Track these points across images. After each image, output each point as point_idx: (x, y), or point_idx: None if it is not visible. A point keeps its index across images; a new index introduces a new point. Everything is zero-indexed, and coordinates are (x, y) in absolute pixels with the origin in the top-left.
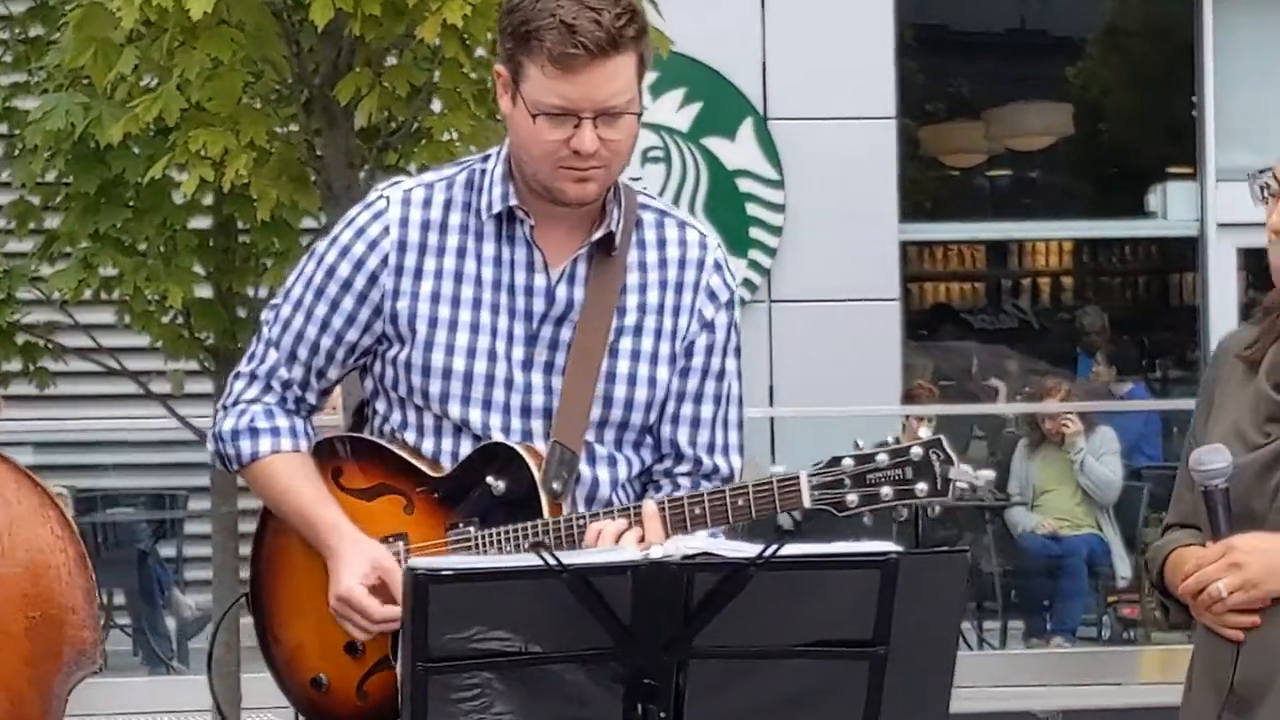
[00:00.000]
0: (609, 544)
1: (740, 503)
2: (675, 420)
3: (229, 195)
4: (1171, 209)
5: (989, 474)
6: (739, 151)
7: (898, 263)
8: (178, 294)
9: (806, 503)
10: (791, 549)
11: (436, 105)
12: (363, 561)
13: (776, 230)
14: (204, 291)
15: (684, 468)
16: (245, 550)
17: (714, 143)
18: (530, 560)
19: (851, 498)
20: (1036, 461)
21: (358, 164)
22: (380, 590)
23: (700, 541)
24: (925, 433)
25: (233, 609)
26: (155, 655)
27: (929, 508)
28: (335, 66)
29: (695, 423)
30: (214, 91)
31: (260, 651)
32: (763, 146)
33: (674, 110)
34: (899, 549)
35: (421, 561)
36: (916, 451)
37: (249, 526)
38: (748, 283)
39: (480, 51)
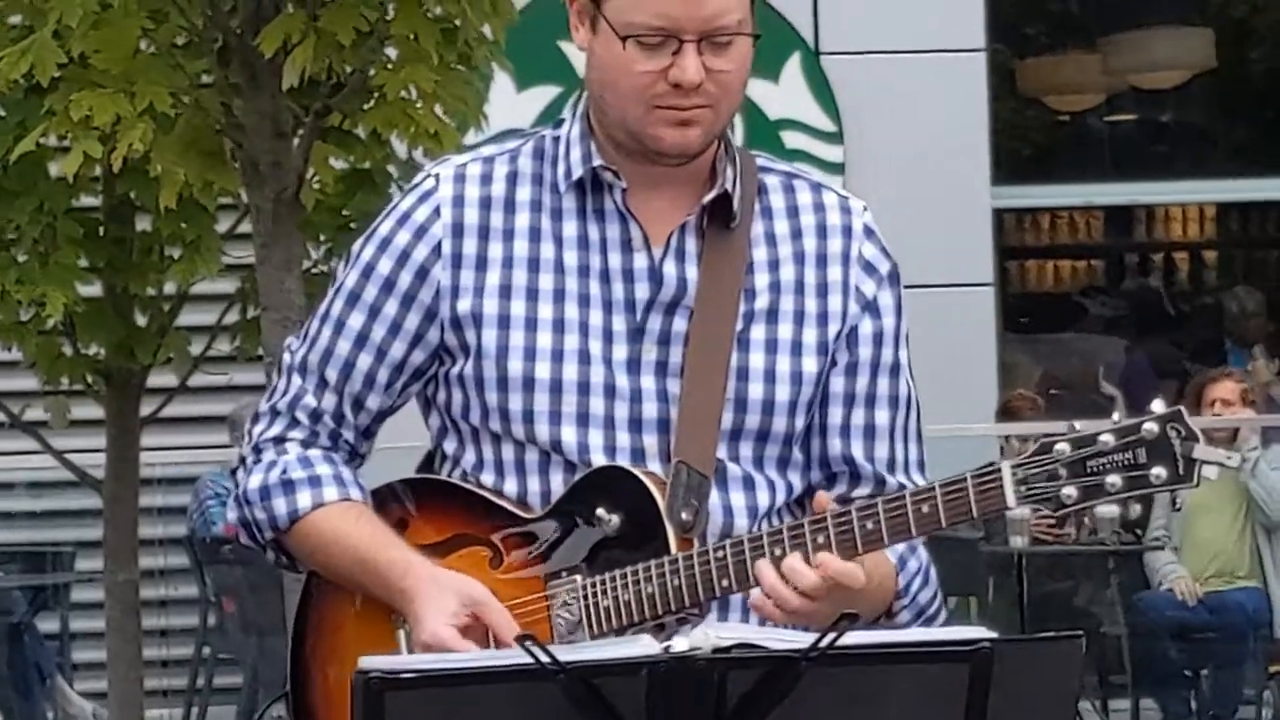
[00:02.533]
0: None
1: (925, 510)
2: (845, 431)
3: (123, 172)
4: None
5: (1238, 456)
6: (784, 97)
7: (991, 236)
8: (58, 299)
9: (1011, 502)
10: (855, 637)
11: (392, 53)
12: (449, 598)
13: None
14: (92, 293)
15: (864, 490)
16: (150, 623)
17: (752, 86)
18: (517, 657)
19: (1069, 491)
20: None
21: (289, 131)
22: (474, 631)
23: (736, 630)
24: (1159, 405)
25: (132, 710)
26: None
27: (1173, 498)
28: (259, 7)
29: (870, 432)
30: (101, 41)
31: None
32: (815, 90)
33: None
34: (993, 635)
35: (375, 661)
36: (1150, 428)
37: (154, 593)
38: None
39: None
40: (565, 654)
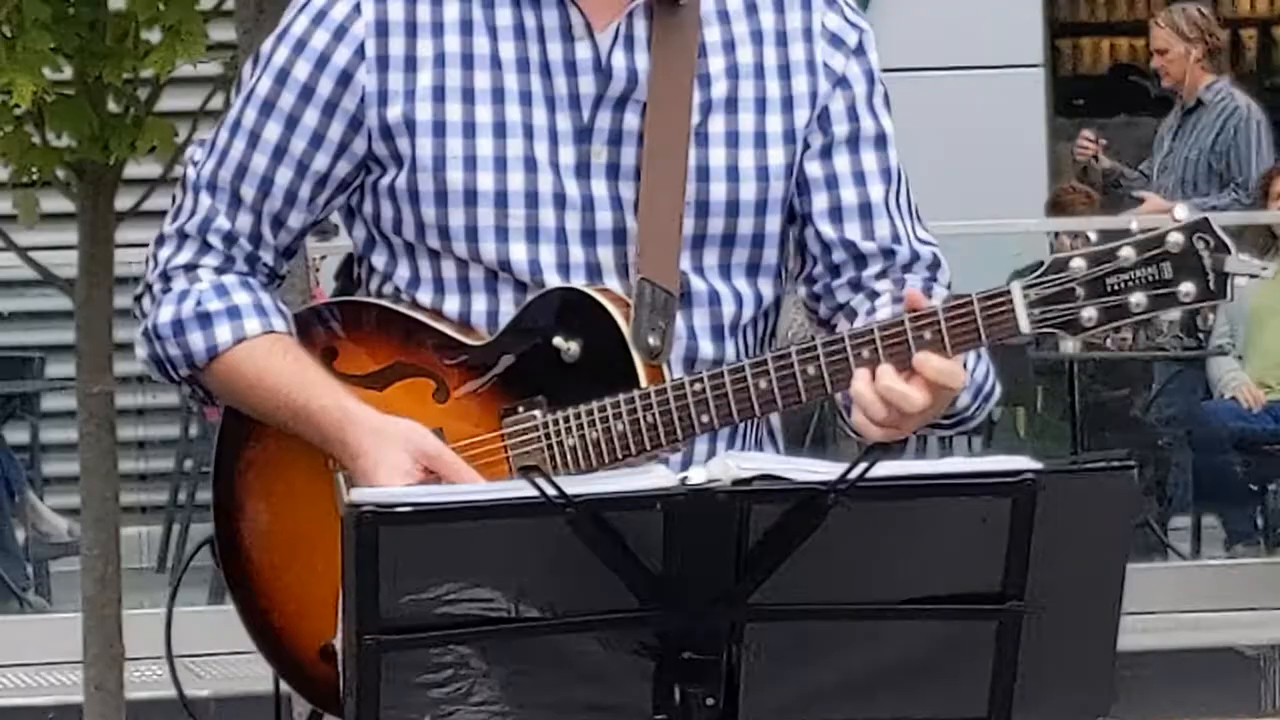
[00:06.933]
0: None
1: (928, 336)
2: (837, 215)
3: None
4: None
5: (1274, 266)
6: None
7: (1041, 10)
8: (26, 87)
9: (1024, 326)
10: (887, 468)
11: None
12: (397, 453)
13: None
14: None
15: (873, 269)
16: (127, 433)
17: None
18: (522, 489)
19: (1089, 313)
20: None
21: None
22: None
23: (757, 460)
24: (1183, 212)
25: (107, 528)
26: (3, 585)
27: (1201, 315)
28: None
29: (865, 211)
30: None
31: (241, 617)
32: None
33: None
34: (1037, 466)
35: (367, 493)
36: (1175, 239)
37: (130, 400)
38: None
39: None
40: (573, 486)
